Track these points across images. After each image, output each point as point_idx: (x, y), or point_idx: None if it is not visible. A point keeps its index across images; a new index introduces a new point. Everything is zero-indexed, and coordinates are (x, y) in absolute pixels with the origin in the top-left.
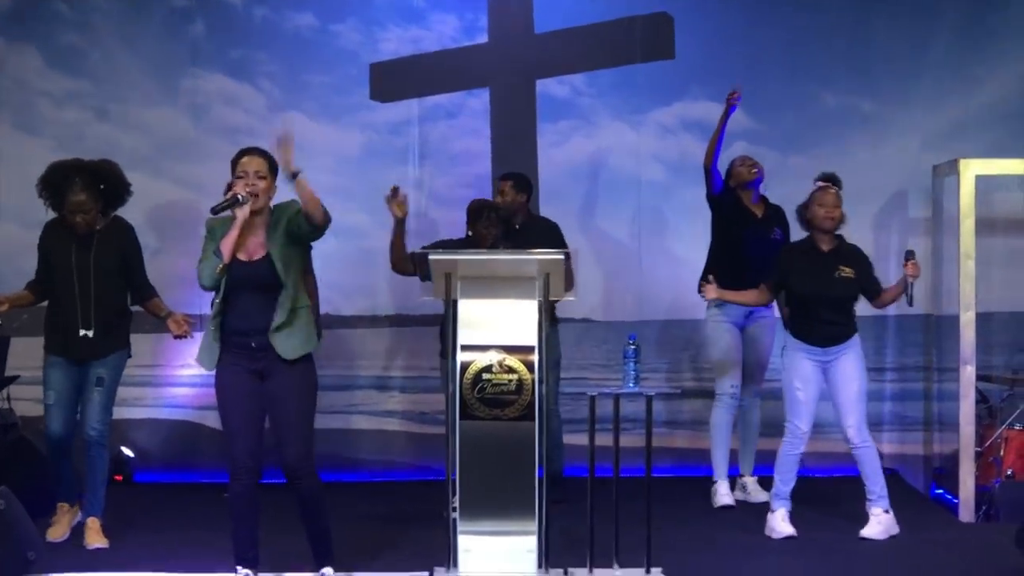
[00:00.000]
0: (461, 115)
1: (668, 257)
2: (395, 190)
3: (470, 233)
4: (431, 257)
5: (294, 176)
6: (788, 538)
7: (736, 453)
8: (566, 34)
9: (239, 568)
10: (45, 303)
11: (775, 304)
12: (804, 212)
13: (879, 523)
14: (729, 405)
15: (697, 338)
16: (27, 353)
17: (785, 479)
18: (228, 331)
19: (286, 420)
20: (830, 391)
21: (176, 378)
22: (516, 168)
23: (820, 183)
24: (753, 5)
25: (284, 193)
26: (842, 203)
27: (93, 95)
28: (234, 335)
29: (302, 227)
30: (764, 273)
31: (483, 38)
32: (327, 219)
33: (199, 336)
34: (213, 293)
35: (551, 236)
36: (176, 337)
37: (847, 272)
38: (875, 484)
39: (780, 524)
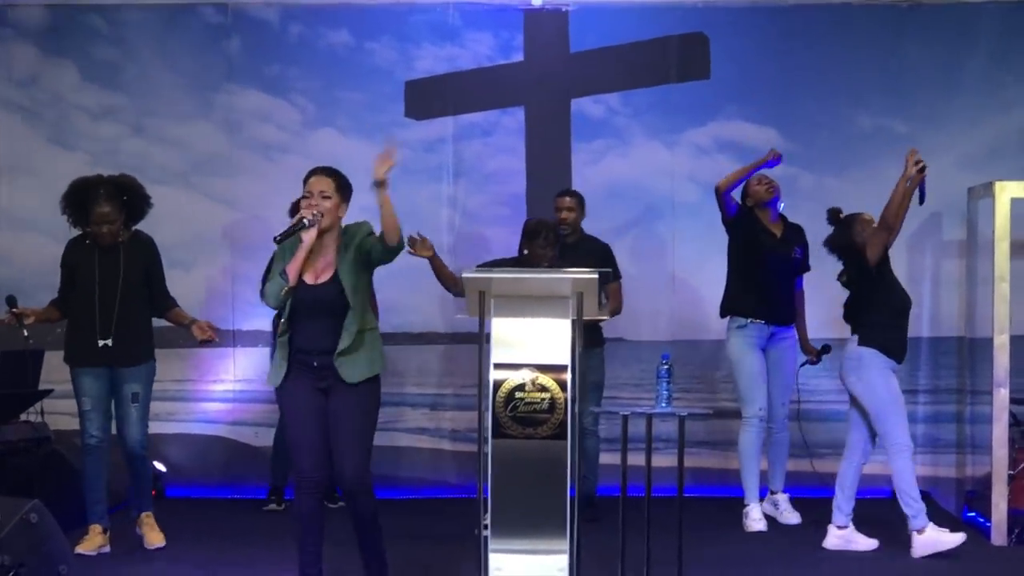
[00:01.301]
0: (496, 133)
1: (702, 277)
2: (412, 240)
3: (525, 252)
4: (464, 275)
5: (378, 184)
6: (817, 553)
7: (765, 473)
8: (601, 53)
9: None
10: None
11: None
12: (854, 240)
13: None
14: (758, 428)
15: (729, 362)
16: (61, 367)
17: (916, 496)
18: (293, 348)
19: (345, 437)
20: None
21: (208, 393)
22: (550, 187)
23: (848, 215)
24: (788, 26)
25: (354, 215)
26: None
27: (128, 110)
28: (299, 353)
29: (375, 250)
30: (785, 291)
31: (519, 57)
32: (402, 242)
33: (222, 351)
34: (262, 311)
35: (603, 256)
36: (201, 343)
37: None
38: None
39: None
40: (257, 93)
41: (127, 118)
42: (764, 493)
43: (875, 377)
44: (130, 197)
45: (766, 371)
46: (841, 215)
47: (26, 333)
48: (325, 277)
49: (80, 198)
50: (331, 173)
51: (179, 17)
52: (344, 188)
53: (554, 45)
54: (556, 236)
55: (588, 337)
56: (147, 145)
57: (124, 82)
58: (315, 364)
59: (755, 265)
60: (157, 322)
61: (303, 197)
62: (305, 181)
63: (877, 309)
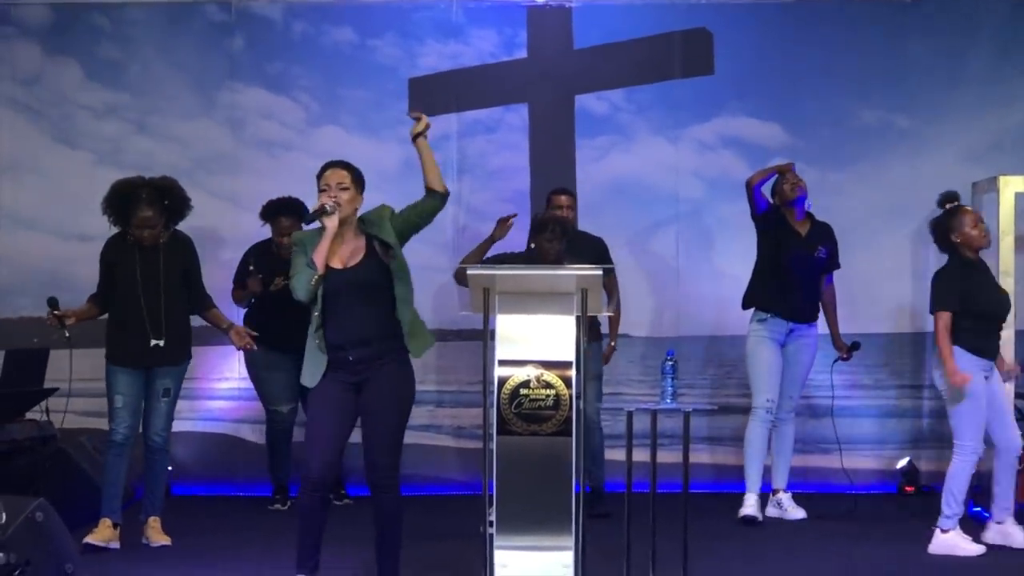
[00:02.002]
0: (500, 130)
1: (707, 273)
2: (508, 219)
3: (532, 246)
4: (469, 272)
5: (417, 136)
6: (821, 550)
7: (769, 468)
8: (605, 50)
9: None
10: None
11: (818, 322)
12: (949, 235)
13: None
14: (764, 419)
15: (735, 354)
16: (65, 367)
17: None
18: (328, 344)
19: (375, 431)
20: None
21: (214, 391)
22: (554, 184)
23: (954, 205)
24: (791, 21)
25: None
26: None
27: (132, 108)
28: (331, 350)
29: (421, 206)
30: (808, 290)
31: (522, 53)
32: (447, 188)
33: (224, 350)
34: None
35: (598, 251)
36: (239, 348)
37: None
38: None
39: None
40: (261, 91)
41: (131, 116)
42: (768, 489)
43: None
44: (171, 200)
45: (780, 366)
46: (953, 202)
47: (68, 335)
48: (354, 261)
49: (122, 201)
50: (346, 166)
51: (182, 15)
52: (359, 180)
53: (558, 41)
54: (563, 230)
55: (589, 330)
56: (151, 143)
57: (128, 80)
58: (351, 359)
59: (778, 262)
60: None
61: (321, 191)
62: (320, 175)
63: (962, 312)
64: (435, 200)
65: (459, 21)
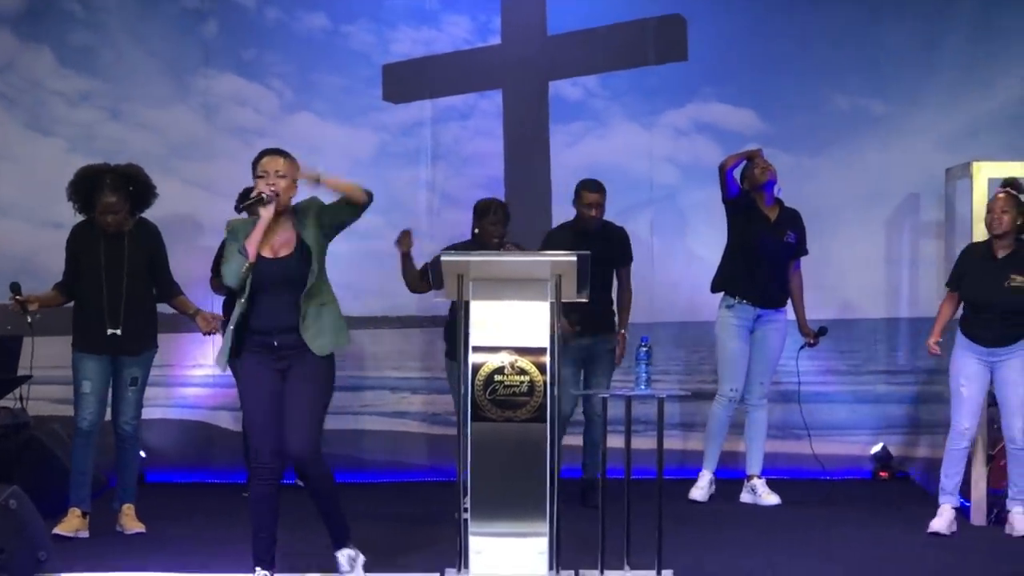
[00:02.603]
0: (474, 116)
1: (681, 259)
2: (406, 234)
3: (476, 231)
4: (443, 259)
5: (318, 181)
6: (801, 535)
7: (744, 455)
8: (579, 36)
9: (257, 569)
10: (71, 303)
11: (787, 308)
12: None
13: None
14: (727, 406)
15: (710, 340)
16: (38, 352)
17: (950, 474)
18: (250, 331)
19: (299, 411)
20: (996, 392)
21: (188, 378)
22: (528, 170)
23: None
24: (765, 7)
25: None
26: (1014, 208)
27: (105, 95)
28: (256, 334)
29: (342, 212)
30: (776, 275)
31: (496, 39)
32: (369, 195)
33: (197, 337)
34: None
35: (624, 241)
36: (205, 334)
37: (1019, 281)
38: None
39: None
40: (234, 77)
41: (104, 103)
42: (742, 475)
43: (953, 356)
44: (136, 187)
45: (748, 353)
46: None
47: (30, 320)
48: (285, 252)
49: (86, 187)
50: (283, 153)
51: (156, 1)
52: (296, 169)
53: (531, 27)
54: (506, 214)
55: (604, 323)
56: (124, 130)
57: (101, 67)
58: (275, 343)
59: (746, 247)
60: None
61: (258, 178)
62: (256, 162)
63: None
64: (358, 209)
65: (432, 7)
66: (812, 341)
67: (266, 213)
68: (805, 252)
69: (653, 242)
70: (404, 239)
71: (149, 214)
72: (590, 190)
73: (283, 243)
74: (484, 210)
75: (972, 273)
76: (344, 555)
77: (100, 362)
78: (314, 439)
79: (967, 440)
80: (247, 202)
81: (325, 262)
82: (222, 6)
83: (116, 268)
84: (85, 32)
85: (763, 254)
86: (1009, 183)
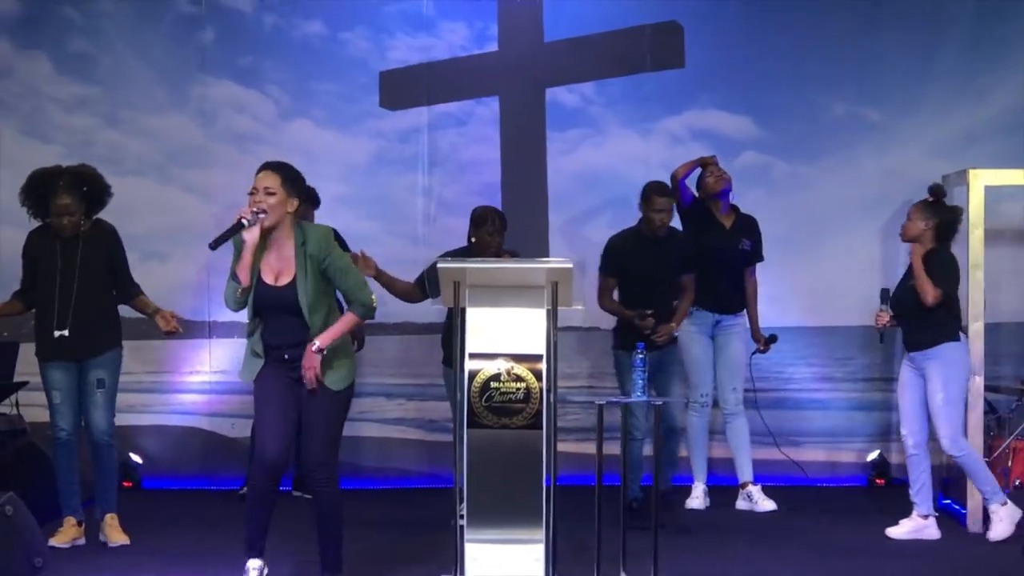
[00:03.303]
0: (470, 123)
1: None
2: (354, 257)
3: (473, 240)
4: (440, 266)
5: (321, 351)
6: (792, 540)
7: (732, 463)
8: (576, 43)
9: (249, 559)
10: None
11: (743, 313)
12: None
13: (1001, 519)
14: (702, 412)
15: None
16: (35, 359)
17: (911, 483)
18: (264, 344)
19: (313, 424)
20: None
21: (185, 385)
22: (524, 177)
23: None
24: (762, 15)
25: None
26: (924, 216)
27: (102, 101)
28: (269, 348)
29: (341, 287)
30: (732, 283)
31: (493, 46)
32: (372, 310)
33: (196, 343)
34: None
35: (688, 250)
36: (166, 334)
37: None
38: (983, 485)
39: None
40: (231, 84)
41: (101, 110)
42: (734, 482)
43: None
44: (90, 187)
45: (712, 358)
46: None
47: None
48: (286, 279)
49: (39, 190)
50: (278, 168)
51: (153, 8)
52: (291, 182)
53: (528, 34)
54: (503, 223)
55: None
56: (121, 137)
57: (98, 74)
58: (286, 357)
59: (702, 256)
60: (133, 314)
61: (249, 193)
62: (256, 175)
63: None
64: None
65: (429, 14)
66: (763, 348)
67: (249, 237)
68: (761, 259)
69: None
70: (362, 264)
71: (146, 220)
72: (660, 194)
73: (284, 266)
74: (481, 219)
75: (900, 282)
76: None
77: (66, 370)
78: (329, 453)
79: (911, 447)
80: (220, 237)
81: (332, 291)
82: (219, 13)
83: (70, 271)
84: (82, 39)
85: (719, 261)
86: (933, 191)
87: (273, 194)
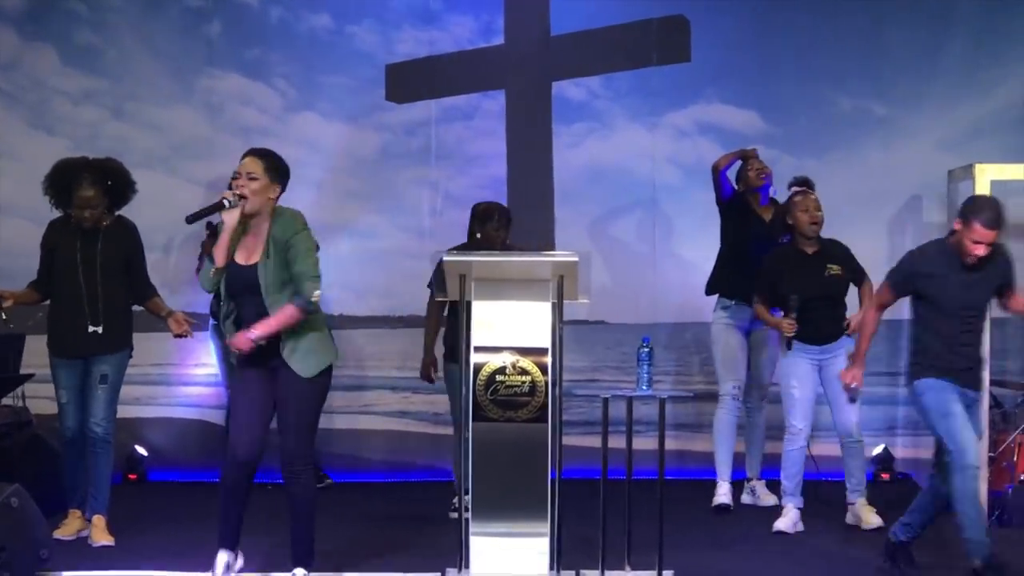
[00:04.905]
0: (477, 116)
1: (682, 260)
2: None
3: (478, 235)
4: (445, 259)
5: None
6: (796, 537)
7: (743, 456)
8: (582, 36)
9: (221, 552)
10: (47, 302)
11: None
12: (786, 218)
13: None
14: (731, 406)
15: (710, 341)
16: (41, 351)
17: (790, 475)
18: (237, 327)
19: (288, 415)
20: (825, 390)
21: (189, 377)
22: (530, 170)
23: (797, 188)
24: (768, 9)
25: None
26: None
27: (109, 94)
28: (239, 329)
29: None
30: None
31: (499, 40)
32: (312, 304)
33: (201, 335)
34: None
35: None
36: (176, 336)
37: (835, 270)
38: (861, 474)
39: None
40: (238, 77)
41: (108, 102)
42: (742, 476)
43: (783, 359)
44: (114, 182)
45: (746, 353)
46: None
47: (4, 316)
48: (255, 258)
49: (64, 181)
50: (262, 155)
51: (160, 1)
52: (274, 170)
53: (535, 28)
54: (508, 218)
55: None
56: (128, 129)
57: (105, 66)
58: (262, 342)
59: (741, 248)
60: (137, 306)
61: (232, 178)
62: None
63: None
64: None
65: (436, 7)
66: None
67: (228, 218)
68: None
69: (655, 243)
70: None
71: (152, 212)
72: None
73: (257, 246)
74: (487, 215)
75: (789, 273)
76: (300, 573)
77: (73, 368)
78: (303, 444)
79: (803, 439)
80: (198, 213)
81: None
82: (226, 5)
83: (91, 265)
84: (89, 31)
85: (758, 255)
86: (803, 182)
87: (256, 179)
